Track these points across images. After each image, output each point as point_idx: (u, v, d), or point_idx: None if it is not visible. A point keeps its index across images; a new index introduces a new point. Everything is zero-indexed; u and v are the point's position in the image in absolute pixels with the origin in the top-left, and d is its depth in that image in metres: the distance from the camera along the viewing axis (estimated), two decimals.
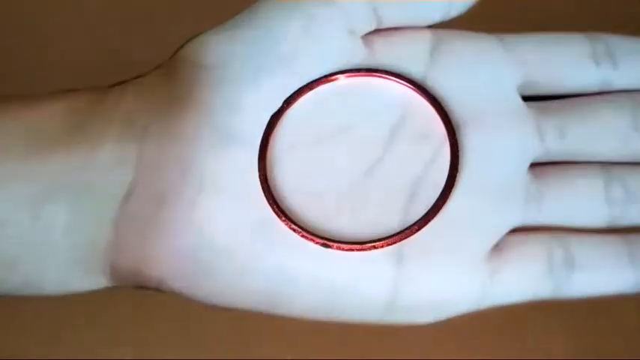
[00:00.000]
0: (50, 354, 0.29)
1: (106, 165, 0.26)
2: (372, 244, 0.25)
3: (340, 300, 0.26)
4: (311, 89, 0.27)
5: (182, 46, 0.28)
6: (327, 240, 0.25)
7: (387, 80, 0.27)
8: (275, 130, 0.27)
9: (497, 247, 0.26)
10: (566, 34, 0.28)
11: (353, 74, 0.27)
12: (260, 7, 0.27)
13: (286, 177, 0.26)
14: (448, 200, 0.26)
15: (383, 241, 0.25)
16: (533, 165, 0.27)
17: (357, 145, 0.26)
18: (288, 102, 0.27)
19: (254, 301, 0.26)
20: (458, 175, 0.26)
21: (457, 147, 0.26)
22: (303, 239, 0.26)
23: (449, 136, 0.26)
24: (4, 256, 0.26)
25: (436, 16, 0.28)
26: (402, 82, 0.27)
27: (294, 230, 0.26)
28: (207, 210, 0.26)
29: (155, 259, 0.26)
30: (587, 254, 0.26)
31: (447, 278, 0.26)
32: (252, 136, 0.26)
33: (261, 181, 0.26)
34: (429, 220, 0.26)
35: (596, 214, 0.27)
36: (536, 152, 0.27)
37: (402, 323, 0.26)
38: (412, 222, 0.26)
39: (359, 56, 0.27)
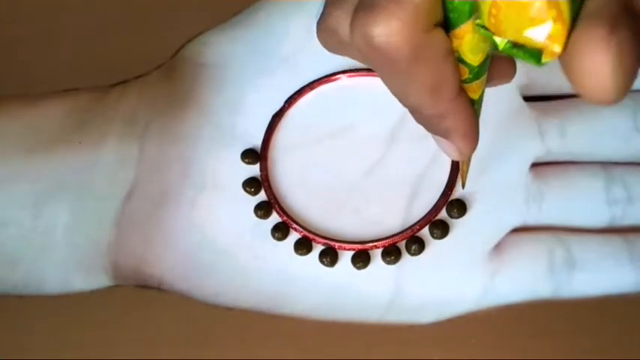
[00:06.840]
0: (50, 354, 0.28)
1: (107, 164, 0.26)
2: (374, 243, 0.25)
3: (341, 299, 0.26)
4: (312, 89, 0.27)
5: (183, 46, 0.28)
6: (328, 239, 0.25)
7: None
8: (276, 130, 0.27)
9: (498, 247, 0.26)
10: None
11: (354, 74, 0.27)
12: (261, 7, 0.27)
13: (287, 177, 0.26)
14: (448, 200, 0.26)
15: (384, 241, 0.25)
16: (534, 165, 0.27)
17: (358, 144, 0.26)
18: (290, 102, 0.27)
19: (255, 301, 0.26)
20: (458, 174, 0.26)
21: None
22: (304, 239, 0.26)
23: None
24: (5, 255, 0.26)
25: None
26: None
27: (296, 230, 0.26)
28: (208, 209, 0.26)
29: (156, 259, 0.26)
30: (588, 254, 0.26)
31: (447, 278, 0.26)
32: (253, 135, 0.26)
33: (262, 180, 0.26)
34: (430, 220, 0.26)
35: (597, 214, 0.27)
36: (537, 152, 0.27)
37: (402, 323, 0.26)
38: (413, 222, 0.26)
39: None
